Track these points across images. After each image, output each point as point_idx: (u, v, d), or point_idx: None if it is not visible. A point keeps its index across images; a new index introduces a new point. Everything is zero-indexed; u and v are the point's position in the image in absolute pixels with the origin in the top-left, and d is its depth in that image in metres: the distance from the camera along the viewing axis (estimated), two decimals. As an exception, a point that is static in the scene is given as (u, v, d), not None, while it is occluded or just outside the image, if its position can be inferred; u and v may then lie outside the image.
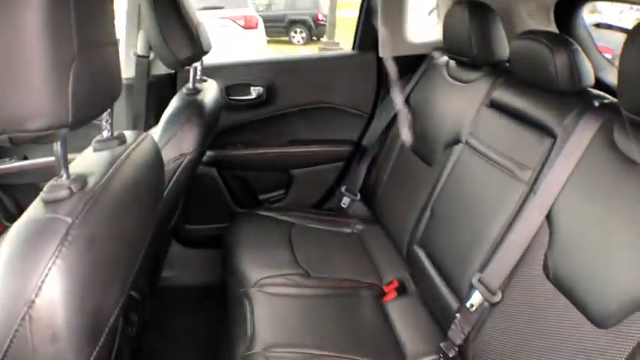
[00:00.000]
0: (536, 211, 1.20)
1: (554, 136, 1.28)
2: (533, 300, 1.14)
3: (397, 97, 2.12)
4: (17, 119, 0.65)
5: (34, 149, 1.88)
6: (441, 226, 1.57)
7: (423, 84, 2.02)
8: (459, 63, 1.84)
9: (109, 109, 0.86)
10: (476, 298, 1.27)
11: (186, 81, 1.61)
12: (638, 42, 0.98)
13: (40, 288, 0.64)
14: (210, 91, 1.63)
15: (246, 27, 8.10)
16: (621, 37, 1.18)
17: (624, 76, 1.02)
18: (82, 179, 0.75)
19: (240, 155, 2.18)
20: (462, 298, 1.34)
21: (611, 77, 1.82)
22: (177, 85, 2.02)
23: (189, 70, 1.60)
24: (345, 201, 2.18)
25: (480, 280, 1.27)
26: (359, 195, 2.17)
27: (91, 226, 0.71)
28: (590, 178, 1.13)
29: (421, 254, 1.62)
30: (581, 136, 1.18)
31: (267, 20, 9.07)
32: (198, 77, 1.65)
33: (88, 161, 0.85)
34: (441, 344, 1.36)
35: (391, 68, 2.04)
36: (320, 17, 11.39)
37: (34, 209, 0.72)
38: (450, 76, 1.86)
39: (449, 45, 1.85)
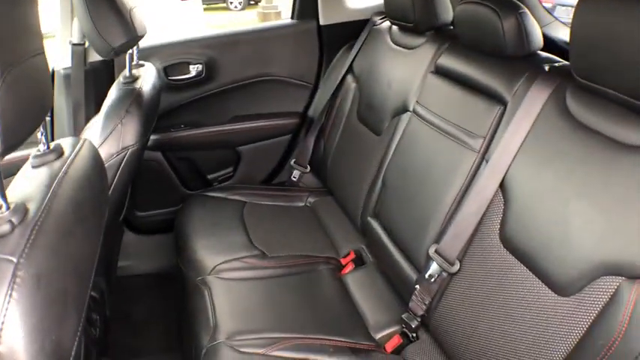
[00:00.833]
0: (490, 180, 1.19)
1: (504, 103, 1.27)
2: (491, 269, 1.14)
3: (340, 66, 2.09)
4: None
5: None
6: (394, 196, 1.56)
7: (366, 51, 1.99)
8: (402, 28, 1.80)
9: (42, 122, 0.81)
10: (434, 269, 1.27)
11: (124, 66, 1.55)
12: (589, 5, 0.96)
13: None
14: (147, 77, 1.58)
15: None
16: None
17: (576, 41, 1.01)
18: (22, 208, 0.72)
19: (184, 136, 2.11)
20: (421, 268, 1.34)
21: (556, 32, 1.84)
22: (115, 71, 1.93)
23: (125, 55, 1.54)
24: (296, 174, 2.15)
25: (436, 251, 1.28)
26: (309, 167, 2.15)
27: (38, 263, 0.68)
28: (543, 145, 1.12)
29: (376, 225, 1.61)
30: (532, 102, 1.17)
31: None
32: (134, 62, 1.60)
33: (26, 183, 0.81)
34: (403, 315, 1.37)
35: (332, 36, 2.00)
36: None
37: None
38: (394, 42, 1.82)
39: (389, 10, 1.81)
